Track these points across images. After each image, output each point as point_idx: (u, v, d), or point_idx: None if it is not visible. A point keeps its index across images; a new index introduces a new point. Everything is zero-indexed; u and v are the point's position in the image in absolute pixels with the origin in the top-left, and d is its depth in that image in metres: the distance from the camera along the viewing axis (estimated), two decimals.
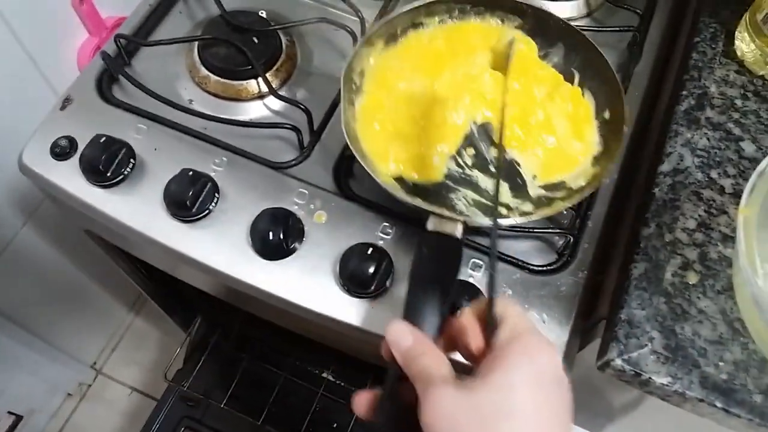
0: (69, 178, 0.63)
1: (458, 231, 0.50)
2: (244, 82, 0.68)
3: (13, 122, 0.89)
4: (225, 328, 1.17)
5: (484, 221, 0.54)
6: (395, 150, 0.59)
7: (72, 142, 0.63)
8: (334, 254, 0.59)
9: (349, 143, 0.56)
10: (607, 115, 0.61)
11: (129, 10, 0.75)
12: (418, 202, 0.55)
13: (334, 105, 0.69)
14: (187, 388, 1.12)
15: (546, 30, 0.64)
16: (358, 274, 0.57)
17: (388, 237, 0.61)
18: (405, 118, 0.61)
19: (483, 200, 0.58)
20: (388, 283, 0.58)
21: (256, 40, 0.68)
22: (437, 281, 0.46)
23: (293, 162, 0.64)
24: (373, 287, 0.57)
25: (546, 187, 0.59)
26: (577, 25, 0.65)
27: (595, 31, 0.70)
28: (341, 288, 0.58)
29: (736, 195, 0.58)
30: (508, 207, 0.58)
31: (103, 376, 1.53)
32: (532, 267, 0.59)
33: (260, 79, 0.67)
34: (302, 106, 0.65)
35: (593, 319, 0.60)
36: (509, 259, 0.60)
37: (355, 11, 0.71)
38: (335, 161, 0.65)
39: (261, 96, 0.69)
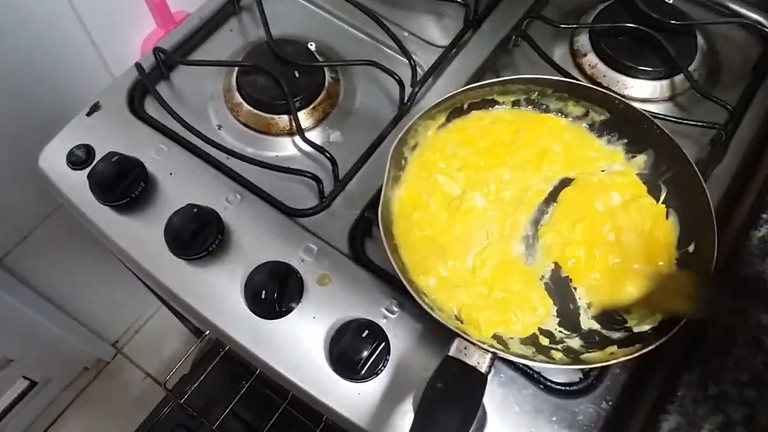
0: (78, 189, 0.60)
1: (485, 364, 0.44)
2: (276, 116, 0.63)
3: (65, 104, 0.89)
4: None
5: (520, 357, 0.46)
6: (435, 262, 0.52)
7: (89, 152, 0.61)
8: (328, 325, 0.54)
9: (382, 234, 0.50)
10: (691, 248, 0.52)
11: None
12: (444, 317, 0.48)
13: (367, 155, 0.63)
14: (186, 397, 1.09)
15: (636, 131, 0.56)
16: (349, 355, 0.51)
17: (393, 316, 0.55)
18: (444, 225, 0.54)
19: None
20: (379, 369, 0.52)
21: (297, 74, 0.64)
22: (448, 429, 0.40)
23: (309, 211, 0.59)
24: (362, 372, 0.51)
25: (601, 321, 0.51)
26: (655, 112, 0.58)
27: (676, 122, 0.61)
28: (328, 365, 0.53)
29: None
30: (551, 336, 0.50)
31: (122, 356, 1.54)
32: (548, 384, 0.52)
33: (293, 116, 0.62)
34: (328, 155, 0.60)
35: None
36: (523, 368, 0.52)
37: (408, 57, 0.65)
38: (354, 219, 0.60)
39: (291, 133, 0.64)
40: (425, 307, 0.47)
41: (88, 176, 0.58)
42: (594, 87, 0.58)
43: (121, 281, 1.36)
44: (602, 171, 0.57)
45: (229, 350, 1.13)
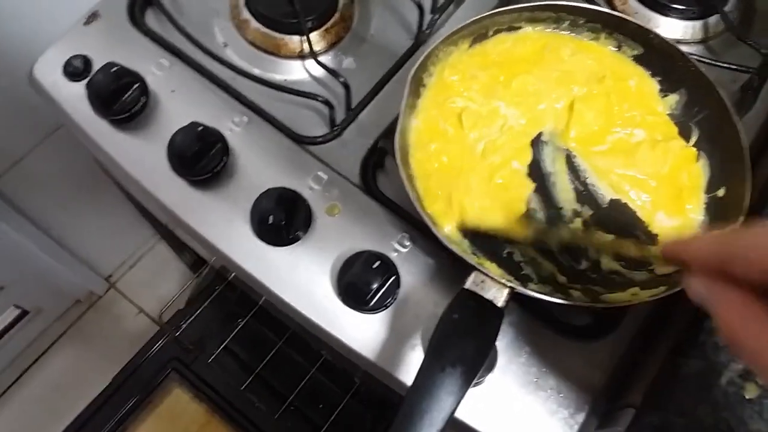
0: (75, 101, 0.56)
1: (502, 298, 0.42)
2: (286, 36, 0.59)
3: (56, 18, 0.83)
4: (233, 280, 1.12)
5: (538, 293, 0.44)
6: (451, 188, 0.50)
7: (87, 63, 0.57)
8: (336, 255, 0.52)
9: (399, 162, 0.47)
10: (721, 192, 0.50)
11: None
12: (464, 246, 0.46)
13: (382, 83, 0.60)
14: (181, 331, 1.08)
15: (670, 68, 0.53)
16: (358, 286, 0.49)
17: (405, 250, 0.52)
18: (463, 151, 0.52)
19: (545, 261, 0.49)
20: (388, 303, 0.50)
21: None
22: (462, 360, 0.38)
23: (319, 139, 0.56)
24: (371, 304, 0.49)
25: (624, 261, 0.48)
26: (687, 52, 0.54)
27: (708, 64, 0.58)
28: (336, 294, 0.51)
29: None
30: (571, 274, 0.48)
31: (115, 290, 1.52)
32: (562, 325, 0.50)
33: (304, 37, 0.58)
34: (341, 79, 0.56)
35: (621, 403, 0.51)
36: (536, 308, 0.51)
37: None
38: (367, 149, 0.57)
39: (302, 56, 0.60)
40: (441, 239, 0.45)
41: (87, 86, 0.55)
42: (629, 18, 0.55)
43: (116, 214, 1.33)
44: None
45: (225, 288, 1.12)
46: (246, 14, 0.60)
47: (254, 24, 0.60)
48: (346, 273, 0.50)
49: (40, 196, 1.12)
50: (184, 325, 1.10)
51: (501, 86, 0.54)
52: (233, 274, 0.68)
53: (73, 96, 0.56)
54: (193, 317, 1.09)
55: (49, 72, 0.58)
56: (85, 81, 0.56)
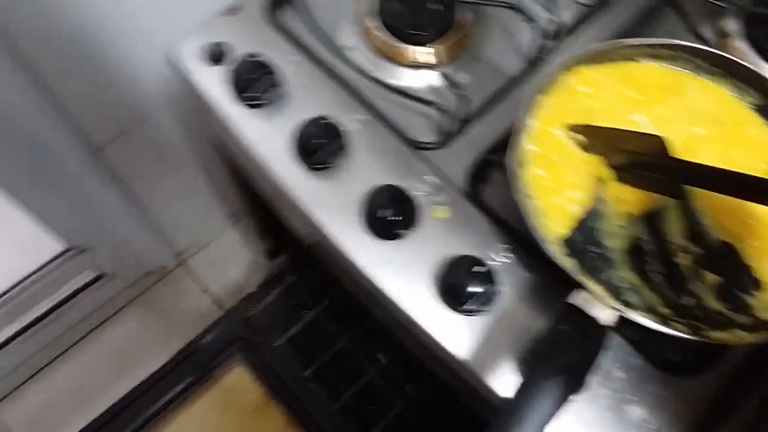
0: (213, 84, 0.61)
1: (606, 318, 0.43)
2: (406, 46, 0.62)
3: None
4: (307, 272, 1.16)
5: (644, 319, 0.44)
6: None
7: (226, 50, 0.62)
8: (437, 256, 0.54)
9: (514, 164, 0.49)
10: None
11: None
12: (569, 265, 0.47)
13: (493, 100, 0.62)
14: (251, 314, 1.12)
15: None
16: (458, 288, 0.51)
17: (507, 261, 0.54)
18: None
19: (647, 291, 0.49)
20: (484, 310, 0.52)
21: (436, 7, 0.62)
22: (566, 370, 0.40)
23: (431, 145, 0.59)
24: (468, 308, 0.51)
25: (728, 303, 0.48)
26: None
27: None
28: (433, 293, 0.53)
29: None
30: (674, 307, 0.48)
31: (184, 268, 1.58)
32: (658, 357, 0.51)
33: (425, 49, 0.61)
34: (461, 92, 0.59)
35: None
36: (634, 337, 0.51)
37: (550, 11, 0.63)
38: (475, 160, 0.59)
39: (418, 66, 0.63)
40: (551, 254, 0.46)
41: (229, 73, 0.59)
42: (751, 67, 0.55)
43: (196, 197, 1.39)
44: None
45: (298, 279, 1.16)
46: (371, 21, 0.63)
47: (379, 32, 0.63)
48: (449, 274, 0.52)
49: (136, 167, 1.18)
50: (256, 309, 1.14)
51: (635, 102, 0.55)
52: (321, 262, 0.71)
53: (210, 78, 0.61)
54: (263, 302, 1.13)
55: (189, 55, 0.63)
56: (223, 66, 0.61)
